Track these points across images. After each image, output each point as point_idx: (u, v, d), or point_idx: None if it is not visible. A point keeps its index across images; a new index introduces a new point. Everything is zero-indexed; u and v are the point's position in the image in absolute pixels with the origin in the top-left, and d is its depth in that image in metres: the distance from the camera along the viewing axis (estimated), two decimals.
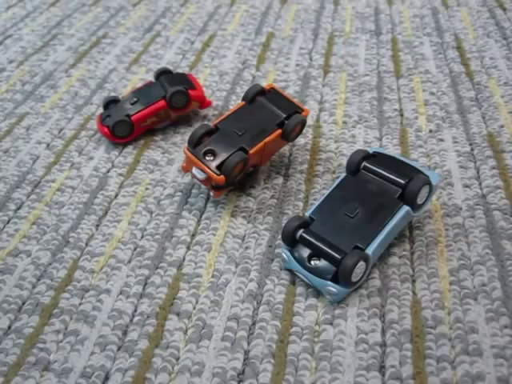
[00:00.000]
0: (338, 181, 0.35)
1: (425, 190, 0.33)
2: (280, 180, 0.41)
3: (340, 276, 0.30)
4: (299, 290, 0.32)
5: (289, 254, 0.33)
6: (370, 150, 0.36)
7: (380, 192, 0.33)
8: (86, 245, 0.37)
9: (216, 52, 0.60)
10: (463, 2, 0.69)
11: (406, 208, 0.33)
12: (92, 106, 0.52)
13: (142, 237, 0.37)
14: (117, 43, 0.64)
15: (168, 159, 0.44)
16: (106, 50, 0.63)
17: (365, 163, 0.35)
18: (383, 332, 0.30)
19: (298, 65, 0.56)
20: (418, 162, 0.40)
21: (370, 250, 0.31)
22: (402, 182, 0.33)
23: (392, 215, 0.32)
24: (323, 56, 0.58)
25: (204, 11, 0.71)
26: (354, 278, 0.31)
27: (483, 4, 0.68)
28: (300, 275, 0.32)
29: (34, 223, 0.39)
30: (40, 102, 0.53)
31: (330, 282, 0.31)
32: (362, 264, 0.30)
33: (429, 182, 0.33)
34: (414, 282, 0.32)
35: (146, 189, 0.41)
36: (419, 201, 0.33)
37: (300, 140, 0.45)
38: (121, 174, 0.43)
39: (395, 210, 0.32)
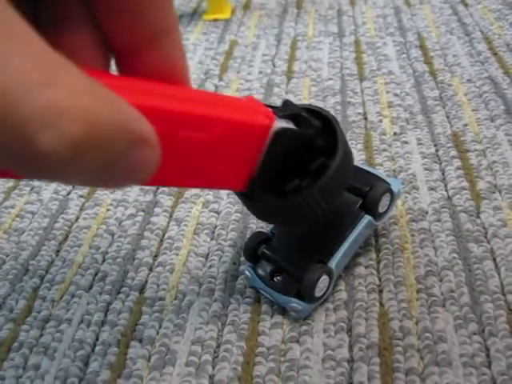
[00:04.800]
0: None
1: (386, 198, 0.33)
2: None
3: (302, 292, 0.30)
4: (264, 307, 0.31)
5: (252, 271, 0.32)
6: None
7: (341, 202, 0.32)
8: (46, 272, 0.36)
9: None
10: (425, 0, 0.69)
11: (367, 218, 0.32)
12: None
13: (104, 261, 0.36)
14: None
15: None
16: None
17: None
18: (350, 347, 0.29)
19: (261, 72, 0.56)
20: (379, 170, 0.39)
21: (332, 264, 0.30)
22: (363, 190, 0.32)
23: (354, 226, 0.32)
24: (286, 62, 0.57)
25: None
26: (318, 293, 0.30)
27: (445, 0, 0.68)
28: (264, 293, 0.31)
29: None
30: None
31: (293, 299, 0.30)
32: (325, 278, 0.30)
33: (390, 190, 0.33)
34: (380, 292, 0.32)
35: (108, 210, 0.40)
36: (381, 209, 0.32)
37: None
38: (81, 196, 0.42)
39: (357, 221, 0.32)
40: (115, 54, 0.21)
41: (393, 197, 0.33)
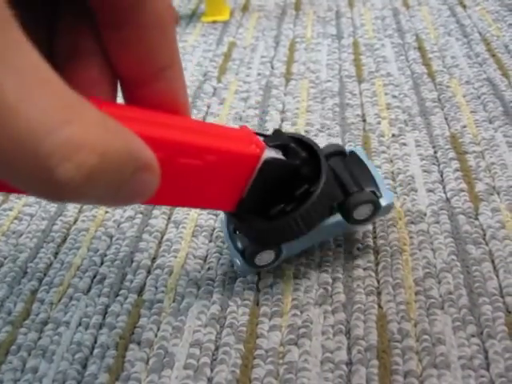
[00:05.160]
0: None
1: (367, 208, 0.32)
2: None
3: (245, 253, 0.31)
4: (263, 310, 0.31)
5: (226, 218, 0.33)
6: (348, 149, 0.34)
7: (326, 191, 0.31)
8: (45, 275, 0.35)
9: None
10: (424, 1, 0.69)
11: (338, 217, 0.31)
12: None
13: (102, 263, 0.36)
14: None
15: None
16: None
17: (330, 159, 0.32)
18: (349, 349, 0.29)
19: (259, 74, 0.56)
20: (380, 175, 0.37)
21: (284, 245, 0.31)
22: (348, 191, 0.31)
23: (322, 218, 0.31)
24: (285, 64, 0.57)
25: None
26: (258, 261, 0.31)
27: (443, 2, 0.68)
28: (226, 242, 0.34)
29: None
30: None
31: (238, 254, 0.32)
32: (270, 252, 0.31)
33: (374, 201, 0.32)
34: (379, 294, 0.32)
35: (106, 212, 0.40)
36: (356, 215, 0.31)
37: None
38: None
39: (327, 214, 0.31)
40: (122, 84, 0.22)
41: (376, 209, 0.32)
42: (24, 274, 0.36)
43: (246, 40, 0.63)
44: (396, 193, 0.39)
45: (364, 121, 0.47)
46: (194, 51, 0.62)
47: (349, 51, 0.59)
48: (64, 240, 0.38)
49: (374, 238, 0.35)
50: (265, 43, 0.62)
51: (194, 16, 0.71)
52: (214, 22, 0.68)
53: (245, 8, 0.72)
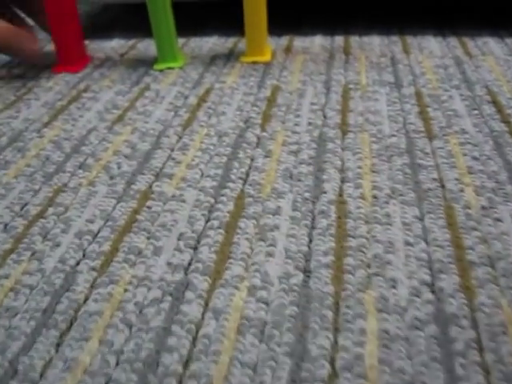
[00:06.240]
0: None
1: None
2: (300, 277, 0.31)
3: None
4: None
5: None
6: None
7: None
8: (41, 376, 0.27)
9: (214, 108, 0.52)
10: (487, 51, 0.62)
11: None
12: (64, 175, 0.43)
13: (117, 364, 0.27)
14: (99, 98, 0.56)
15: (155, 247, 0.34)
16: (87, 105, 0.55)
17: None
18: None
19: (310, 123, 0.48)
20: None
21: None
22: None
23: None
24: (339, 113, 0.49)
25: (199, 61, 0.63)
26: None
27: (510, 53, 0.61)
28: None
29: None
30: (3, 168, 0.44)
31: None
32: None
33: None
34: None
35: (125, 290, 0.31)
36: None
37: (321, 221, 0.36)
38: (93, 269, 0.33)
39: None
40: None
41: None
42: (14, 373, 0.27)
43: (291, 84, 0.56)
44: (499, 286, 0.30)
45: (443, 187, 0.39)
46: (233, 94, 0.54)
47: (412, 102, 0.51)
48: (70, 326, 0.29)
49: (481, 350, 0.27)
50: (313, 88, 0.54)
51: (231, 56, 0.64)
52: (254, 62, 0.61)
53: (287, 50, 0.65)
